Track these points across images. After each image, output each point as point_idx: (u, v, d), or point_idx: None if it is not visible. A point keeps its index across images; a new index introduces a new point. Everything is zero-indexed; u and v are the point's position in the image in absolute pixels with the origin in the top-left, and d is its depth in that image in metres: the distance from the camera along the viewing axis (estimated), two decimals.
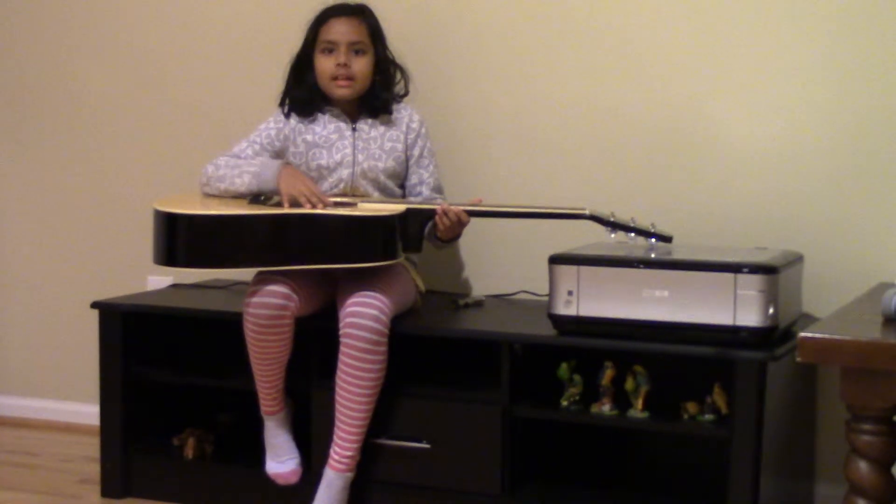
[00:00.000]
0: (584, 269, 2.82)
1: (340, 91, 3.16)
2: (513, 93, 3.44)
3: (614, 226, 2.94)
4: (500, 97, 3.45)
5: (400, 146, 3.21)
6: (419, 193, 3.21)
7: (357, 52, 3.16)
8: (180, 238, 2.93)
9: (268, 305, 2.90)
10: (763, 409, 2.66)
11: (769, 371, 2.67)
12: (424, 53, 3.45)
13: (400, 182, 3.24)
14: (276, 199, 3.03)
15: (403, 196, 3.23)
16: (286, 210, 2.92)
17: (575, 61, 3.37)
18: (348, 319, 2.88)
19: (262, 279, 2.94)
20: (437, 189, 3.24)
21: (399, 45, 3.29)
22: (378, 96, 3.21)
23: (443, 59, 3.49)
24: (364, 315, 2.87)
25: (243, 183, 3.06)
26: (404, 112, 3.25)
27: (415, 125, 3.24)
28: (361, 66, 3.16)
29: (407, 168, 3.24)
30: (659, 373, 2.87)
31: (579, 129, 3.37)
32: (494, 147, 3.46)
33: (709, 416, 2.79)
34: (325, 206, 2.96)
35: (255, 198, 3.05)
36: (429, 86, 3.43)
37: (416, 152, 3.23)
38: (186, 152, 3.77)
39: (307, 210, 2.92)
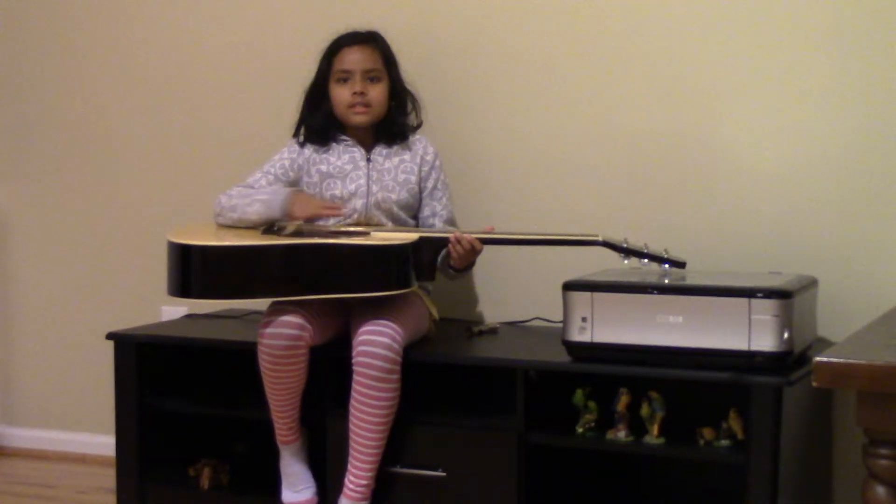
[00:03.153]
0: (598, 296, 2.81)
1: (358, 118, 3.17)
2: (523, 119, 3.44)
3: (627, 252, 2.94)
4: (510, 124, 3.46)
5: (413, 178, 3.22)
6: (432, 225, 3.22)
7: (372, 80, 3.18)
8: (194, 269, 2.94)
9: (282, 336, 2.90)
10: (779, 435, 2.65)
11: (785, 396, 2.66)
12: (434, 82, 3.46)
13: (413, 214, 3.24)
14: (289, 228, 3.04)
15: (417, 227, 3.23)
16: (299, 240, 2.93)
17: (586, 87, 3.37)
18: (361, 348, 2.88)
19: (276, 309, 2.94)
20: (450, 222, 3.24)
21: (409, 72, 3.30)
22: (394, 122, 3.22)
23: (453, 87, 3.50)
24: (376, 343, 2.87)
25: (254, 212, 3.07)
26: (419, 144, 3.26)
27: (429, 157, 3.25)
28: (377, 93, 3.18)
29: (420, 200, 3.25)
30: (674, 398, 2.86)
31: (591, 156, 3.37)
32: (506, 174, 3.47)
33: (725, 442, 2.78)
34: (341, 210, 3.05)
35: (269, 228, 3.06)
36: (439, 114, 3.44)
37: (429, 184, 3.24)
38: (201, 183, 3.79)
39: (319, 240, 2.92)
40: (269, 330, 2.92)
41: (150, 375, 3.30)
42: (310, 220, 3.06)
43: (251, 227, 3.09)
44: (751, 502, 2.68)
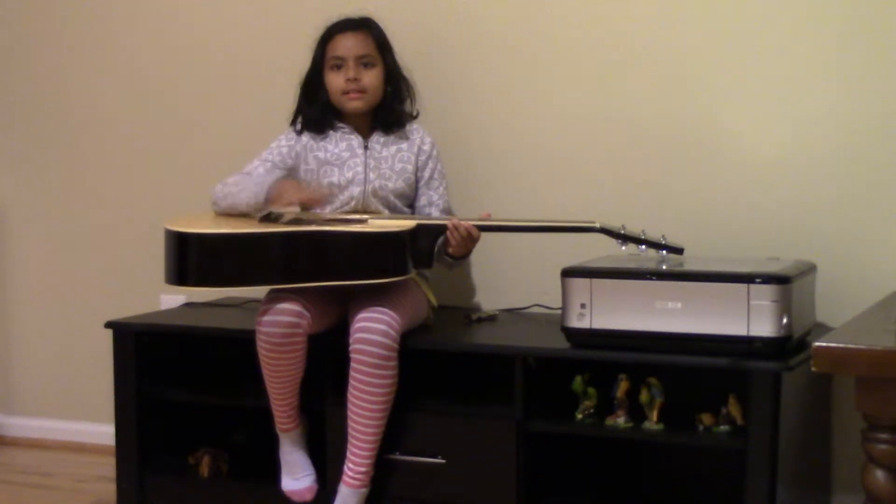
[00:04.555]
0: (597, 282, 2.81)
1: (352, 103, 3.17)
2: (521, 106, 3.44)
3: (625, 238, 2.93)
4: (508, 111, 3.45)
5: (410, 167, 3.21)
6: (428, 214, 3.21)
7: (366, 66, 3.17)
8: (191, 257, 2.94)
9: (280, 324, 2.90)
10: (778, 420, 2.65)
11: (784, 381, 2.66)
12: (432, 69, 3.45)
13: (409, 203, 3.24)
14: (287, 216, 3.04)
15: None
16: (296, 228, 2.93)
17: (583, 74, 3.37)
18: (357, 335, 2.88)
19: (273, 297, 2.94)
20: (447, 211, 3.24)
21: (406, 61, 3.29)
22: (392, 109, 3.22)
23: (450, 74, 3.50)
24: (373, 330, 2.87)
25: (243, 200, 3.06)
26: (416, 134, 3.25)
27: (426, 147, 3.25)
28: (371, 78, 3.17)
29: (417, 189, 3.24)
30: (673, 384, 2.86)
31: (588, 142, 3.37)
32: (504, 161, 3.47)
33: (724, 428, 2.79)
34: (325, 194, 3.06)
35: (266, 216, 3.05)
36: (437, 101, 3.43)
37: (426, 174, 3.24)
38: (199, 172, 3.78)
39: (316, 228, 2.92)
40: (267, 318, 2.92)
41: (148, 364, 3.30)
42: (304, 205, 3.05)
43: (244, 214, 3.08)
44: (750, 487, 2.68)
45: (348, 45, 3.17)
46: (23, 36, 4.07)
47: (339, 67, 3.17)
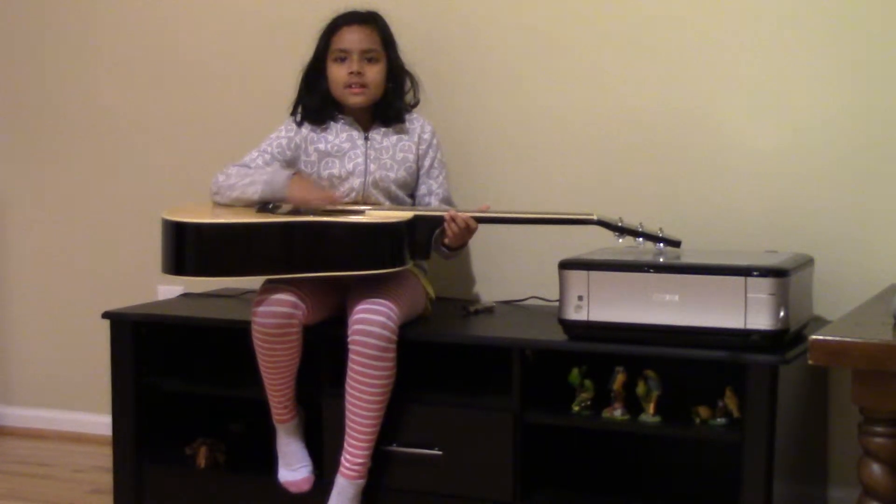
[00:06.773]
0: (594, 274, 2.81)
1: (354, 98, 3.16)
2: (519, 99, 3.44)
3: (622, 231, 2.93)
4: (506, 104, 3.45)
5: (411, 156, 3.21)
6: (428, 203, 3.21)
7: (370, 60, 3.16)
8: (188, 247, 2.94)
9: (275, 314, 2.90)
10: (775, 413, 2.65)
11: (781, 374, 2.66)
12: (432, 61, 3.45)
13: (410, 192, 3.24)
14: (284, 206, 3.04)
15: (413, 206, 3.23)
16: (293, 218, 2.92)
17: (581, 67, 3.37)
18: (356, 326, 2.88)
19: (269, 288, 2.94)
20: (447, 200, 3.23)
21: (407, 54, 3.29)
22: (391, 104, 3.21)
23: (450, 67, 3.49)
24: (372, 322, 2.87)
25: (255, 192, 3.06)
26: (417, 122, 3.25)
27: (427, 136, 3.24)
28: (374, 73, 3.17)
29: (417, 178, 3.24)
30: (670, 377, 2.86)
31: (586, 135, 3.37)
32: (502, 153, 3.46)
33: (720, 420, 2.79)
34: (338, 201, 3.05)
35: (264, 206, 3.05)
36: (436, 93, 3.43)
37: (426, 163, 3.24)
38: (196, 162, 3.78)
39: (313, 218, 2.92)
40: (261, 308, 2.91)
41: (146, 354, 3.30)
42: (306, 206, 3.05)
43: (248, 205, 3.08)
44: (746, 480, 2.68)
45: (354, 39, 3.16)
46: (21, 27, 4.06)
47: (342, 60, 3.16)
